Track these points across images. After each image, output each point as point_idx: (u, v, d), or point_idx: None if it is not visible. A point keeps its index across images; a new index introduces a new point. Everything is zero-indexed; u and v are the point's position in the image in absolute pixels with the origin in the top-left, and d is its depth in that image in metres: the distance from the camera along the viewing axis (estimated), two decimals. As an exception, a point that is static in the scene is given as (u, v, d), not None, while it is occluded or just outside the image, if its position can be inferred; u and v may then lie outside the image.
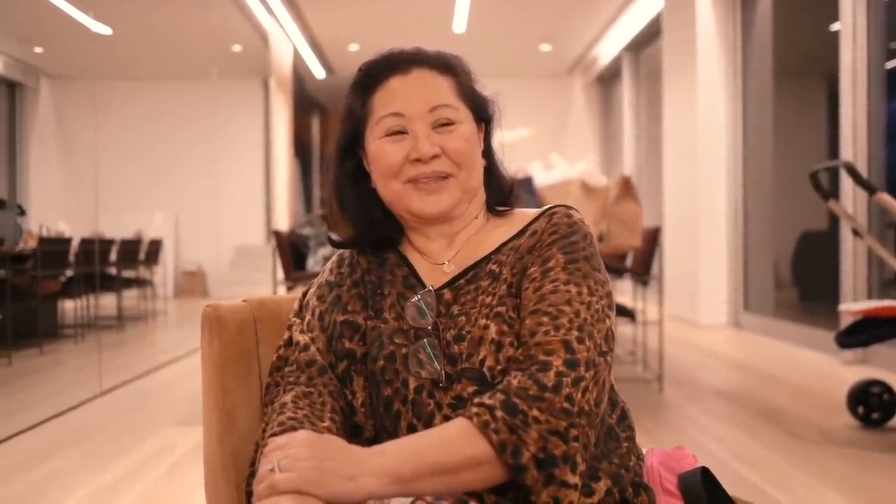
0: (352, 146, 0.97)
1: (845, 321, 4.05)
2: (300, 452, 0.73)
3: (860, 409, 3.00)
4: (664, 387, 3.72)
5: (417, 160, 0.91)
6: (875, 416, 2.98)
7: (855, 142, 4.37)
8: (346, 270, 0.99)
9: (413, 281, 0.95)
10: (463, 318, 0.89)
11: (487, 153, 0.99)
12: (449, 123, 0.92)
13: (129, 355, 5.50)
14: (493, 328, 0.86)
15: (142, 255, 7.06)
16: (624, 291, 6.67)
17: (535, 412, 0.77)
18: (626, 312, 3.68)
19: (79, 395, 3.81)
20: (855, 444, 2.78)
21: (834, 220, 4.74)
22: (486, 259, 0.93)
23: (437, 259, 0.97)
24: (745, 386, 3.94)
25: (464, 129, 0.93)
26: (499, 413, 0.76)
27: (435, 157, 0.91)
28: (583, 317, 0.83)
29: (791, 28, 5.94)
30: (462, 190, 0.93)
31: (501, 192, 1.01)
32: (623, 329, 4.67)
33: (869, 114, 4.34)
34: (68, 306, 5.87)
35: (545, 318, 0.83)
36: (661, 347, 3.81)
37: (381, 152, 0.92)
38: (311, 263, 4.40)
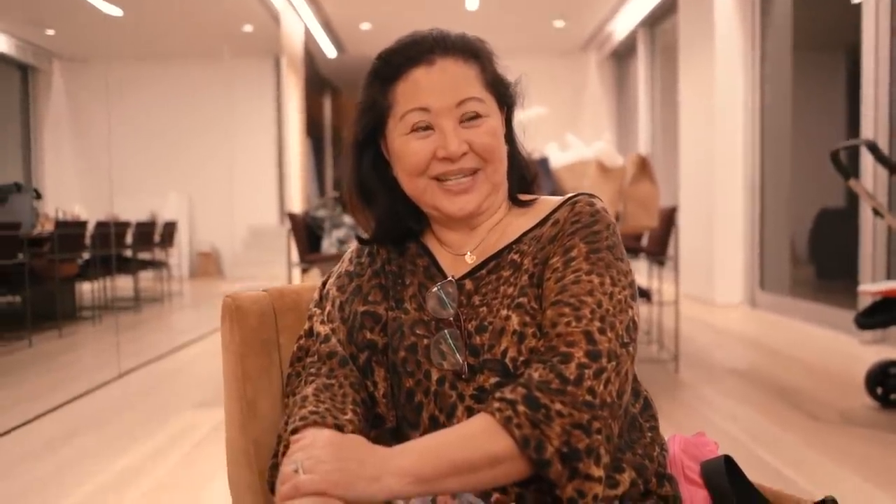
0: (372, 136, 0.95)
1: (864, 302, 4.02)
2: (323, 454, 0.73)
3: (878, 390, 2.98)
4: (680, 367, 3.71)
5: (445, 158, 0.89)
6: (894, 396, 2.96)
7: (876, 119, 4.30)
8: (367, 260, 0.99)
9: (434, 271, 0.95)
10: (484, 308, 0.88)
11: (510, 138, 0.97)
12: (476, 117, 0.90)
13: (147, 337, 5.56)
14: (514, 319, 0.85)
15: (157, 237, 7.10)
16: (639, 271, 6.64)
17: (557, 406, 0.76)
18: (642, 293, 3.67)
19: (98, 377, 3.85)
20: (873, 425, 2.77)
21: (852, 198, 4.68)
22: (508, 249, 0.92)
23: (459, 249, 0.95)
24: (761, 365, 3.92)
25: (491, 123, 0.91)
26: (521, 408, 0.76)
27: (463, 154, 0.89)
28: (605, 307, 0.82)
29: (811, 1, 5.82)
30: (490, 183, 0.92)
31: (524, 178, 0.99)
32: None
33: (891, 90, 4.26)
34: (86, 289, 5.93)
35: (567, 309, 0.82)
36: (677, 327, 3.80)
37: (408, 150, 0.90)
38: (326, 245, 4.40)
